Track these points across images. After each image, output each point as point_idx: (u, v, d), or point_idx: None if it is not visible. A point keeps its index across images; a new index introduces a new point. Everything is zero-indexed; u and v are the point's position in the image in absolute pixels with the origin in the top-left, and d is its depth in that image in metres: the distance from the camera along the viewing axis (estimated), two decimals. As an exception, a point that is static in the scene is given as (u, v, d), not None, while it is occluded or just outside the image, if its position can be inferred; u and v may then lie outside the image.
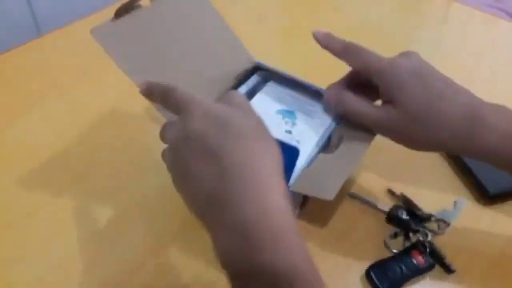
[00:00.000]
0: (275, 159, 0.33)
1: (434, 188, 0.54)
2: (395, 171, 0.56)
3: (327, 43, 0.45)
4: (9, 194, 0.51)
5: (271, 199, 0.31)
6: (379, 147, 0.59)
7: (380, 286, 0.44)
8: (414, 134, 0.41)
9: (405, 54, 0.42)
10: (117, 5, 0.42)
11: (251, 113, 0.35)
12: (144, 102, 0.41)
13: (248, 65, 0.52)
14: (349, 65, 0.44)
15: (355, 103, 0.44)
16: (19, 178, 0.53)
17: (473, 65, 0.74)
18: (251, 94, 0.50)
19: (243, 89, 0.50)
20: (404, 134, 0.42)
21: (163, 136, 0.36)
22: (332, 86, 0.46)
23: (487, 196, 0.52)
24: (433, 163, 0.57)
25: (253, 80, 0.51)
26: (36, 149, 0.56)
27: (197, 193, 0.32)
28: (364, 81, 0.44)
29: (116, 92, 0.62)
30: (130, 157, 0.55)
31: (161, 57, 0.45)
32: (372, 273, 0.44)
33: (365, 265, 0.45)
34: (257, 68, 0.53)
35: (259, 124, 0.35)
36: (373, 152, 0.58)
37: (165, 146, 0.36)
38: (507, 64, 0.75)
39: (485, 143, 0.40)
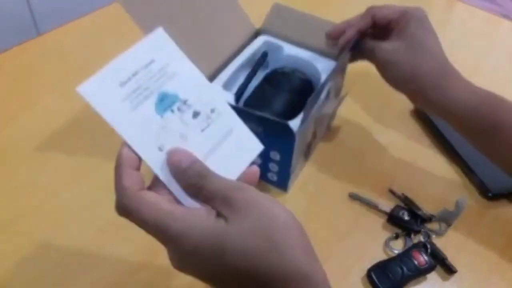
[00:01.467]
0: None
1: (435, 189, 0.54)
2: (396, 171, 0.55)
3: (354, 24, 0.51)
4: (9, 194, 0.51)
5: None
6: (380, 147, 0.59)
7: (382, 287, 0.43)
8: (408, 63, 0.48)
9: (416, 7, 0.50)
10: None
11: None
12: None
13: (249, 31, 0.55)
14: (376, 19, 0.50)
15: (372, 41, 0.51)
16: (19, 177, 0.52)
17: (474, 64, 0.74)
18: (249, 60, 0.53)
19: (243, 56, 0.53)
20: (401, 64, 0.48)
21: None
22: (341, 27, 0.52)
23: (489, 196, 0.52)
24: (434, 163, 0.57)
25: (253, 46, 0.54)
26: (36, 148, 0.55)
27: None
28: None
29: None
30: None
31: (172, 23, 0.46)
32: (373, 274, 0.44)
33: (366, 266, 0.45)
34: (257, 34, 0.56)
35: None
36: (374, 152, 0.58)
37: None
38: (508, 64, 0.75)
39: (455, 92, 0.47)
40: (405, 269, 0.44)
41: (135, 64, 0.31)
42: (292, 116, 0.46)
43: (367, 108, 0.64)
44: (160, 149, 0.31)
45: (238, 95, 0.50)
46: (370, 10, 0.51)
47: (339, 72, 0.54)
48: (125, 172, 0.30)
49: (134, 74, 0.31)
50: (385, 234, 0.49)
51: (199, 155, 0.32)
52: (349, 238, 0.49)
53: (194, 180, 0.30)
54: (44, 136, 0.57)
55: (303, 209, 0.51)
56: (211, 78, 0.50)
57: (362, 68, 0.66)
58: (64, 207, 0.50)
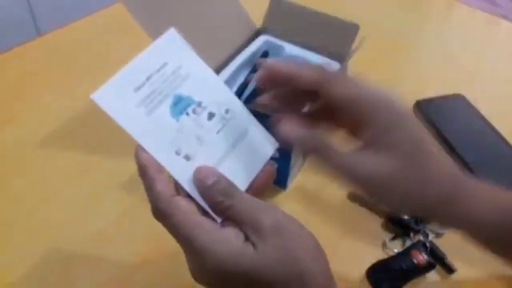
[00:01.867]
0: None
1: (434, 188, 0.54)
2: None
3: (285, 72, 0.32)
4: (9, 194, 0.51)
5: None
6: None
7: (381, 287, 0.43)
8: (407, 187, 0.31)
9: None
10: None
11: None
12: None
13: (250, 30, 0.56)
14: (329, 94, 0.31)
15: (341, 154, 0.32)
16: (19, 177, 0.52)
17: (474, 65, 0.74)
18: (250, 60, 0.53)
19: (244, 55, 0.53)
20: (400, 188, 0.31)
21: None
22: (290, 122, 0.33)
23: (488, 196, 0.52)
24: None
25: (254, 45, 0.54)
26: (36, 148, 0.56)
27: None
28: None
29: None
30: (131, 156, 0.55)
31: (173, 22, 0.47)
32: (372, 274, 0.44)
33: (366, 265, 0.45)
34: (258, 33, 0.57)
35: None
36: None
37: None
38: (509, 64, 0.75)
39: (468, 206, 0.33)
40: (404, 268, 0.44)
41: (149, 68, 0.31)
42: None
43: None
44: (177, 153, 0.30)
45: (238, 94, 0.50)
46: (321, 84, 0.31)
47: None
48: (156, 176, 0.29)
49: (148, 78, 0.31)
50: (385, 234, 0.49)
51: (216, 156, 0.32)
52: (349, 237, 0.49)
53: (220, 198, 0.29)
54: (44, 136, 0.57)
55: (302, 208, 0.51)
56: None
57: (362, 67, 0.66)
58: (65, 206, 0.50)
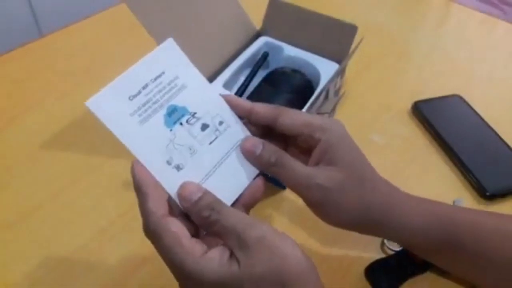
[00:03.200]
0: None
1: (433, 188, 0.54)
2: (394, 170, 0.56)
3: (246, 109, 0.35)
4: (9, 194, 0.51)
5: None
6: (378, 147, 0.59)
7: (380, 285, 0.44)
8: (354, 199, 0.36)
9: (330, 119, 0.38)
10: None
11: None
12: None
13: (250, 32, 0.57)
14: (280, 125, 0.35)
15: (297, 164, 0.35)
16: (19, 178, 0.53)
17: (472, 65, 0.74)
18: (250, 61, 0.54)
19: (244, 56, 0.54)
20: (345, 200, 0.36)
21: None
22: (253, 139, 0.35)
23: (486, 195, 0.52)
24: (432, 163, 0.57)
25: (254, 47, 0.55)
26: (36, 149, 0.56)
27: None
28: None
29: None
30: (131, 157, 0.55)
31: (175, 24, 0.47)
32: (371, 272, 0.45)
33: (364, 264, 0.45)
34: (259, 35, 0.58)
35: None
36: (371, 152, 0.58)
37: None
38: (506, 64, 0.75)
39: (403, 211, 0.38)
40: (403, 267, 0.45)
41: (145, 77, 0.31)
42: None
43: (366, 107, 0.64)
44: (169, 163, 0.31)
45: (238, 95, 0.51)
46: (277, 119, 0.35)
47: (339, 72, 0.54)
48: (149, 193, 0.30)
49: (144, 87, 0.31)
50: (383, 233, 0.49)
51: (207, 168, 0.32)
52: (347, 236, 0.48)
53: (206, 213, 0.29)
54: (46, 136, 0.57)
55: (301, 208, 0.51)
56: (212, 78, 0.50)
57: (360, 68, 0.66)
58: (66, 206, 0.50)
